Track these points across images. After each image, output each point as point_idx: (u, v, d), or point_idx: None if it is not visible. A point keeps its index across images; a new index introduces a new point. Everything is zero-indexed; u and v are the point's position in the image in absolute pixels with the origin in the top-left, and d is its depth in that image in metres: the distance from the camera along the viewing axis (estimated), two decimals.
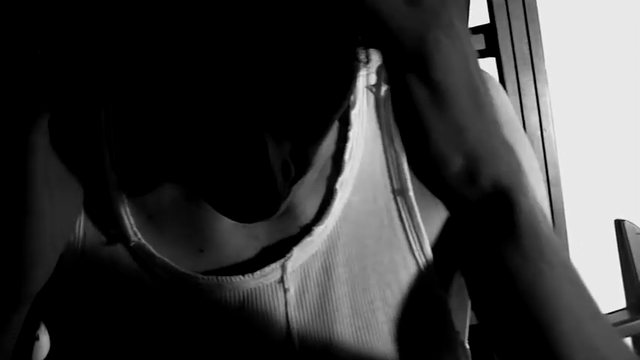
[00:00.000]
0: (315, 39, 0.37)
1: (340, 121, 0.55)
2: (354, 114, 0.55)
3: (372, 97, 0.56)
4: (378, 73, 0.57)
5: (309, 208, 0.54)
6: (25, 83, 0.39)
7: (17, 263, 0.42)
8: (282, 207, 0.47)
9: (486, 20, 1.23)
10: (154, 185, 0.54)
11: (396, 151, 0.55)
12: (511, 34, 1.20)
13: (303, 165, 0.45)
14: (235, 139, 0.40)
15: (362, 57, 0.57)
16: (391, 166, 0.55)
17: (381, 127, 0.56)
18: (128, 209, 0.53)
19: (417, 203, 0.54)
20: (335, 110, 0.43)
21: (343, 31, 0.38)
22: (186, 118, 0.40)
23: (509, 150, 0.38)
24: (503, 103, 0.57)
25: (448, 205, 0.39)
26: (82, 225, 0.53)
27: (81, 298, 0.53)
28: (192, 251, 0.53)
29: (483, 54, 1.23)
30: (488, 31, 1.21)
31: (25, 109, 0.40)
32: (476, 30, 1.27)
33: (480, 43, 1.20)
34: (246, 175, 0.41)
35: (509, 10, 1.20)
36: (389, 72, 0.36)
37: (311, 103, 0.41)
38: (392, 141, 0.55)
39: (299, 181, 0.46)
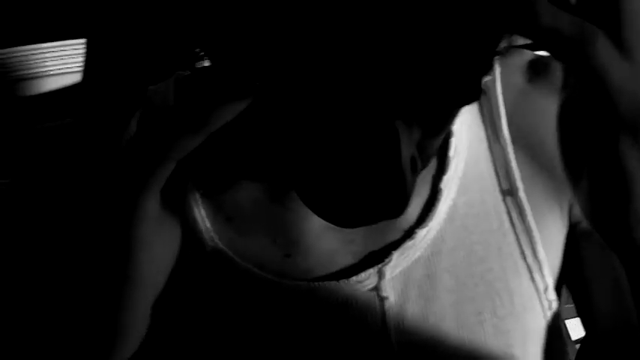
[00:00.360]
0: (460, 29, 0.33)
1: None
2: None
3: None
4: None
5: (411, 209, 0.49)
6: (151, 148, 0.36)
7: (110, 336, 0.38)
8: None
9: None
10: (232, 184, 0.50)
11: (502, 147, 0.51)
12: None
13: (426, 160, 0.40)
14: (363, 129, 0.35)
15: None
16: (498, 163, 0.51)
17: (484, 121, 0.52)
18: (203, 211, 0.49)
19: (528, 204, 0.50)
20: (467, 100, 0.39)
21: (493, 29, 0.34)
22: (302, 106, 0.35)
23: None
24: None
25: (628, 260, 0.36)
26: None
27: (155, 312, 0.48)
28: (278, 257, 0.49)
29: None
30: None
31: (145, 175, 0.36)
32: None
33: None
34: (372, 171, 0.37)
35: None
36: (595, 121, 0.33)
37: (445, 90, 0.36)
38: (497, 136, 0.51)
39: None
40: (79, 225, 0.41)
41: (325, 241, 0.49)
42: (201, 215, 0.49)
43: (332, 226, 0.48)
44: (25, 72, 0.95)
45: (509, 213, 0.50)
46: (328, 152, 0.37)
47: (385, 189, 0.37)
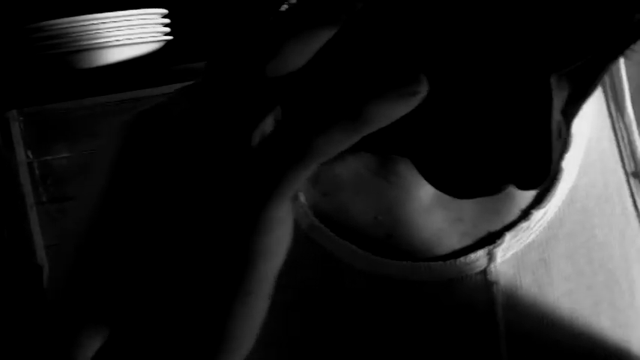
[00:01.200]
0: None
1: None
2: None
3: None
4: None
5: (531, 192, 0.45)
6: None
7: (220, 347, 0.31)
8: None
9: None
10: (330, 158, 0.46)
11: (626, 126, 0.47)
12: None
13: (567, 128, 0.36)
14: (513, 84, 0.31)
15: None
16: (622, 143, 0.47)
17: (607, 98, 0.48)
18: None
19: None
20: (615, 57, 0.34)
21: None
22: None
23: None
24: None
25: None
26: None
27: None
28: (379, 236, 0.45)
29: None
30: None
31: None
32: None
33: None
34: (518, 133, 0.32)
35: None
36: None
37: (598, 32, 0.31)
38: (621, 114, 0.47)
39: None
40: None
41: (431, 220, 0.45)
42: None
43: (440, 202, 0.45)
44: (89, 42, 0.93)
45: (633, 196, 0.46)
46: (467, 111, 0.33)
47: (530, 154, 0.32)
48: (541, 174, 0.33)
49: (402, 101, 0.25)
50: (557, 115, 0.32)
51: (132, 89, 0.95)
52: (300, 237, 0.45)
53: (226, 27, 1.07)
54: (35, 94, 0.98)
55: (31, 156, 1.21)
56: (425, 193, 0.45)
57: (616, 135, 0.47)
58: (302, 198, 0.45)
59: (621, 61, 0.48)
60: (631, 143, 0.46)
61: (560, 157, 0.42)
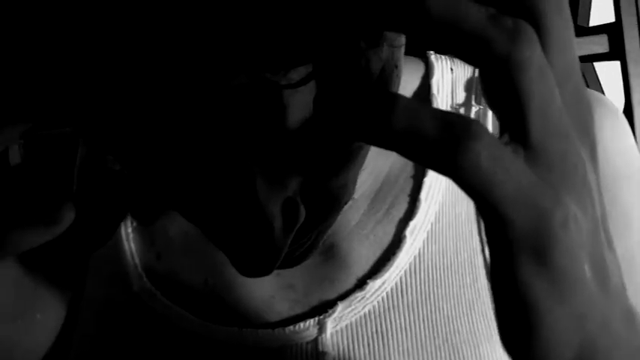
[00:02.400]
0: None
1: None
2: None
3: None
4: (467, 89, 0.46)
5: (365, 255, 0.43)
6: None
7: None
8: (310, 255, 0.36)
9: (611, 18, 1.06)
10: (166, 215, 0.45)
11: None
12: None
13: (330, 202, 0.33)
14: (221, 174, 0.29)
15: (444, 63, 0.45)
16: None
17: None
18: (133, 246, 0.45)
19: None
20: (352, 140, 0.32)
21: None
22: (177, 153, 0.30)
23: (631, 332, 0.26)
24: (627, 150, 0.44)
25: None
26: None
27: (75, 350, 0.44)
28: (210, 300, 0.44)
29: (606, 57, 1.07)
30: (612, 31, 1.04)
31: None
32: (598, 29, 1.10)
33: (602, 44, 1.03)
34: (236, 220, 0.31)
35: (639, 7, 1.02)
36: (489, 239, 0.22)
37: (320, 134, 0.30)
38: None
39: (339, 222, 0.37)
40: None
41: (263, 286, 0.43)
42: (131, 251, 0.44)
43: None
44: None
45: (486, 266, 0.42)
46: (205, 198, 0.31)
47: (252, 241, 0.31)
48: (269, 261, 0.31)
49: (44, 230, 0.25)
50: (274, 201, 0.30)
51: None
52: (132, 300, 0.44)
53: None
54: None
55: None
56: None
57: None
58: (136, 259, 0.44)
59: (489, 119, 0.45)
60: None
61: (326, 220, 0.35)
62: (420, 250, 0.42)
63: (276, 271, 0.42)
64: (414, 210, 0.43)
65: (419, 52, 0.47)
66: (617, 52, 1.04)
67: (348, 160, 0.33)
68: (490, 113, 0.44)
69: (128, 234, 0.45)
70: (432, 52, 0.47)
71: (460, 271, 0.42)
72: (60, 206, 0.27)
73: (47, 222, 0.27)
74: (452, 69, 0.46)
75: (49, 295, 0.38)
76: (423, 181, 0.43)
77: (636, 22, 1.03)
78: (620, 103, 1.12)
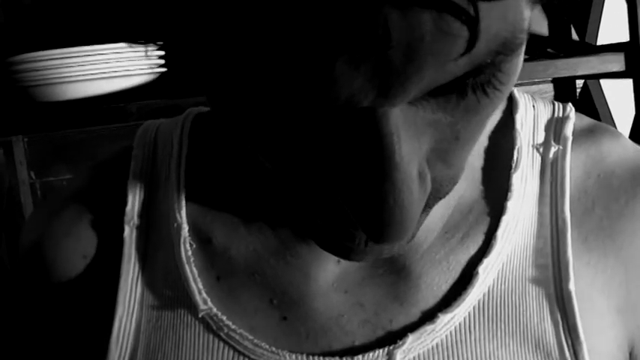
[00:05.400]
0: None
1: (498, 184, 0.44)
2: (516, 177, 0.44)
3: (538, 158, 0.45)
4: (547, 128, 0.46)
5: (437, 282, 0.43)
6: None
7: None
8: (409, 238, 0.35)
9: (624, 37, 1.06)
10: (225, 238, 0.44)
11: (559, 232, 0.43)
12: None
13: (445, 181, 0.32)
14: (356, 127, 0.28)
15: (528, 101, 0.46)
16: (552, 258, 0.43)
17: (544, 200, 0.44)
18: (195, 270, 0.43)
19: (578, 301, 0.42)
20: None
21: None
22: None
23: None
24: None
25: None
26: (138, 286, 0.44)
27: None
28: (274, 320, 0.43)
29: (619, 75, 1.07)
30: (628, 49, 1.04)
31: None
32: (614, 47, 1.10)
33: (619, 62, 1.03)
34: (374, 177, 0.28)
35: None
36: None
37: None
38: (556, 218, 0.43)
39: (412, 243, 0.37)
40: None
41: (330, 303, 0.43)
42: (193, 274, 0.43)
43: (340, 286, 0.43)
44: (51, 77, 0.93)
45: (551, 308, 0.43)
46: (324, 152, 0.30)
47: (384, 197, 0.29)
48: (402, 226, 0.29)
49: None
50: (413, 158, 0.28)
51: (122, 122, 0.95)
52: (198, 326, 0.43)
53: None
54: (36, 122, 0.99)
55: (33, 177, 1.22)
56: (324, 275, 0.43)
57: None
58: (199, 283, 0.43)
59: (567, 159, 0.44)
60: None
61: (424, 209, 0.34)
62: (489, 287, 0.42)
63: (343, 290, 0.42)
64: (488, 247, 0.42)
65: None
66: (631, 70, 1.04)
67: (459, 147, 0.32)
68: (569, 153, 0.44)
69: (189, 257, 0.44)
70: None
71: (527, 311, 0.42)
72: None
73: None
74: (534, 106, 0.46)
75: None
76: (501, 220, 0.43)
77: None
78: (629, 120, 1.12)
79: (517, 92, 0.46)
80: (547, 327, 0.42)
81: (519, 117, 0.45)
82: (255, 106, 0.28)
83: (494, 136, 0.45)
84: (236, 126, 0.31)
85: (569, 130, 0.45)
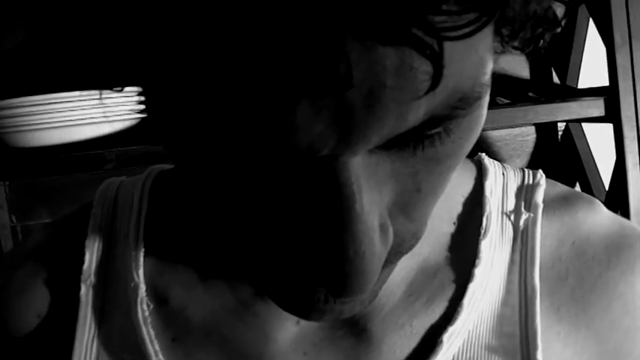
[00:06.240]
0: None
1: (466, 251, 0.43)
2: (485, 244, 0.43)
3: (509, 225, 0.44)
4: (517, 195, 0.45)
5: (399, 347, 0.41)
6: None
7: None
8: (373, 294, 0.34)
9: (605, 82, 1.07)
10: (182, 297, 0.43)
11: (527, 305, 0.42)
12: (635, 100, 1.04)
13: (407, 235, 0.32)
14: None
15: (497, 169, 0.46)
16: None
17: (513, 267, 0.43)
18: (152, 331, 0.42)
19: None
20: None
21: None
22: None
23: None
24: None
25: None
26: (93, 348, 0.43)
27: None
28: None
29: (599, 119, 1.07)
30: (608, 94, 1.05)
31: None
32: (595, 92, 1.11)
33: (598, 107, 1.04)
34: (334, 230, 0.28)
35: (635, 73, 1.03)
36: None
37: None
38: (525, 285, 0.42)
39: (373, 305, 0.37)
40: None
41: None
42: (150, 336, 0.42)
43: (298, 347, 0.42)
44: (31, 123, 0.93)
45: None
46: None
47: (345, 256, 0.28)
48: (363, 280, 0.28)
49: None
50: (374, 213, 0.28)
51: (100, 169, 0.95)
52: None
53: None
54: (16, 167, 0.98)
55: (14, 220, 1.21)
56: (283, 335, 0.42)
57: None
58: (156, 345, 0.42)
59: (538, 227, 0.44)
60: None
61: (386, 265, 0.33)
62: (454, 355, 0.41)
63: (302, 351, 0.41)
64: (454, 314, 0.41)
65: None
66: (612, 115, 1.05)
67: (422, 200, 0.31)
68: (540, 221, 0.44)
69: (145, 318, 0.43)
70: (483, 154, 0.47)
71: None
72: None
73: None
74: (504, 173, 0.46)
75: None
76: (467, 287, 0.42)
77: (632, 87, 1.04)
78: (611, 161, 1.12)
79: (487, 160, 0.46)
80: None
81: (489, 184, 0.45)
82: (213, 155, 0.28)
83: (463, 204, 0.45)
84: (193, 175, 0.30)
85: (539, 197, 0.45)
